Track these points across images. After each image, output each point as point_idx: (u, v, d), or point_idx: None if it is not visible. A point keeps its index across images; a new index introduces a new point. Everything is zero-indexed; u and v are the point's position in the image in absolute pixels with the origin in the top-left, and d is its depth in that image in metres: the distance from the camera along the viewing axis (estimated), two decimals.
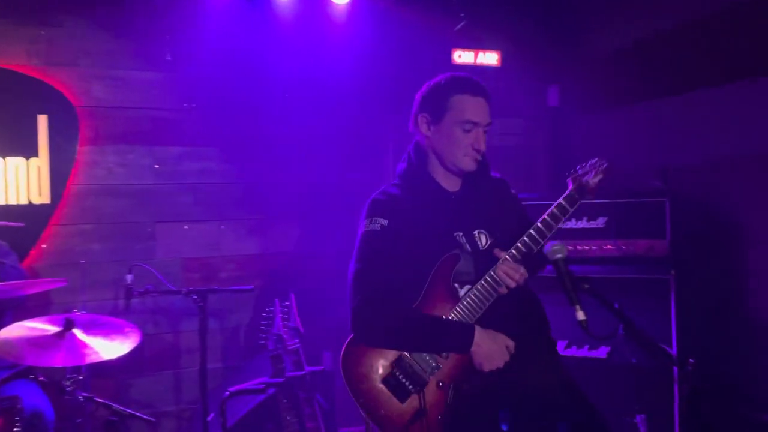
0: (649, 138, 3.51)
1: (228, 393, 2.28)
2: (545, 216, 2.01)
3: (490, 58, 3.97)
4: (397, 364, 1.96)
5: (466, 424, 1.98)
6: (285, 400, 2.49)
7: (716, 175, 3.05)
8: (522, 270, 1.97)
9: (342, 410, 3.60)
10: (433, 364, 1.97)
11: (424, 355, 1.97)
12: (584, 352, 2.94)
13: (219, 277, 3.51)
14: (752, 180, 2.86)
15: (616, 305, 1.81)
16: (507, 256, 1.98)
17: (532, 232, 1.99)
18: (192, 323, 3.27)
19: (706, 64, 3.17)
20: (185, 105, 3.47)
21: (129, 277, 2.80)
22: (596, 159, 2.11)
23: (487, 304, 1.98)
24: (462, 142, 2.05)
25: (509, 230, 2.07)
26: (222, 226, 3.54)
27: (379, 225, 2.00)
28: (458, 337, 1.94)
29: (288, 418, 2.47)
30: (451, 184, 2.13)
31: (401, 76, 3.88)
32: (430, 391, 1.95)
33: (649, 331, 2.76)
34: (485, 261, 2.02)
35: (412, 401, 1.94)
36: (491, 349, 1.93)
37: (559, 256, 1.99)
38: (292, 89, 3.67)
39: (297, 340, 2.62)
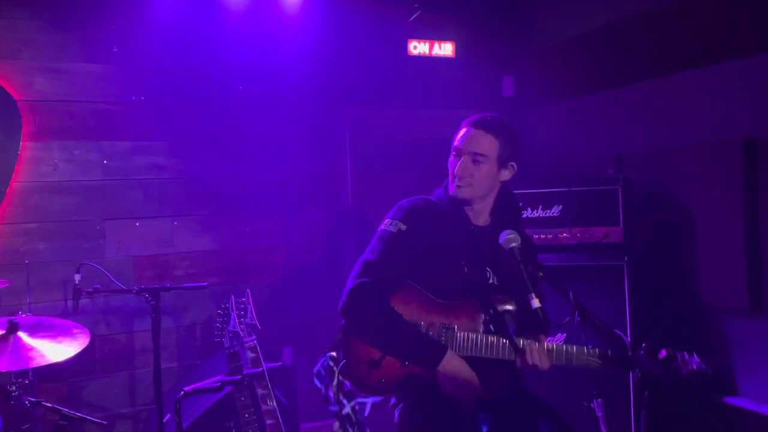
0: (604, 127, 3.56)
1: (182, 393, 2.22)
2: (600, 351, 2.00)
3: (445, 49, 3.97)
4: None
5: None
6: (243, 398, 2.44)
7: (667, 163, 3.11)
8: (545, 363, 1.99)
9: (304, 406, 3.57)
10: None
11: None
12: None
13: (173, 274, 3.43)
14: (701, 167, 2.92)
15: (571, 293, 1.83)
16: (542, 347, 1.99)
17: (581, 350, 2.00)
18: (146, 323, 3.17)
19: (657, 54, 3.23)
20: (134, 98, 3.36)
21: (77, 277, 2.70)
22: (699, 360, 1.91)
23: (493, 356, 2.00)
24: (450, 167, 2.14)
25: (512, 282, 2.07)
26: (175, 222, 3.45)
27: (397, 228, 2.08)
28: (427, 354, 1.98)
29: (246, 415, 2.42)
30: (477, 216, 2.17)
31: (357, 66, 3.85)
32: (393, 359, 2.01)
33: (605, 317, 2.81)
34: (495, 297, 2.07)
35: (378, 352, 2.02)
36: (457, 377, 1.97)
37: (513, 245, 2.00)
38: (246, 82, 3.60)
39: (254, 337, 2.58)
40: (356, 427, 2.34)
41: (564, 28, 3.81)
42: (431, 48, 3.94)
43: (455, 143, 2.14)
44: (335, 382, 2.27)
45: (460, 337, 2.01)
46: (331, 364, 2.06)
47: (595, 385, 2.55)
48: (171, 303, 3.38)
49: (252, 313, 2.61)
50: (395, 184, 4.03)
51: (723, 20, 2.88)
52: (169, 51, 3.40)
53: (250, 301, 2.64)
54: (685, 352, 1.85)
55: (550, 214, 3.12)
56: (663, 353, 1.88)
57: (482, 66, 4.13)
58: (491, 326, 2.04)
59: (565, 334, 2.99)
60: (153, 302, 2.53)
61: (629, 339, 2.81)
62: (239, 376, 2.39)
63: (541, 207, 3.14)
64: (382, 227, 2.12)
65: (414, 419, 2.02)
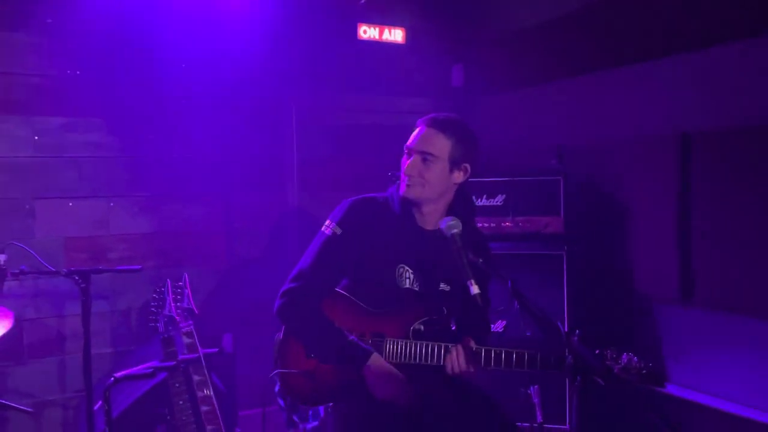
0: (548, 118, 3.61)
1: (113, 379, 2.14)
2: (527, 354, 1.98)
3: (395, 35, 3.94)
4: None
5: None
6: (177, 384, 2.38)
7: (607, 156, 3.18)
8: (470, 367, 1.97)
9: (244, 393, 3.52)
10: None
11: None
12: None
13: (108, 257, 3.30)
14: (638, 161, 3.00)
15: (510, 281, 1.84)
16: (467, 347, 1.97)
17: (510, 355, 1.97)
18: (78, 307, 3.02)
19: (600, 48, 3.28)
20: (69, 72, 3.21)
21: (2, 258, 2.56)
22: (638, 359, 1.88)
23: (423, 362, 1.99)
24: (402, 165, 2.10)
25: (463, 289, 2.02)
26: (111, 203, 3.32)
27: (332, 231, 2.07)
28: (352, 357, 1.98)
29: (180, 402, 2.36)
30: (426, 220, 2.13)
31: (304, 49, 3.78)
32: (327, 369, 2.02)
33: (544, 304, 2.87)
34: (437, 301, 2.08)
35: (312, 362, 2.03)
36: (384, 379, 1.96)
37: (454, 231, 2.00)
38: (189, 61, 3.48)
39: (191, 322, 2.51)
40: None
41: (513, 18, 3.84)
42: (381, 33, 3.91)
43: (408, 142, 2.10)
44: (289, 402, 2.25)
45: (390, 346, 2.01)
46: (281, 385, 2.07)
47: (531, 372, 2.60)
48: (106, 287, 3.26)
49: (189, 298, 2.54)
50: (342, 171, 4.00)
51: (662, 18, 2.95)
52: (108, 26, 3.25)
53: (188, 285, 2.57)
54: (624, 354, 1.85)
55: (494, 203, 3.15)
56: (596, 352, 1.89)
57: (432, 54, 4.12)
58: (422, 333, 2.04)
59: (505, 322, 3.04)
60: (83, 285, 2.43)
61: (566, 326, 2.88)
62: (173, 362, 2.34)
63: (485, 196, 3.16)
64: (321, 229, 2.11)
65: (348, 428, 2.01)
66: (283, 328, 2.09)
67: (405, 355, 2.00)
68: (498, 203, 3.13)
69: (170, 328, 2.45)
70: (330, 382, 2.02)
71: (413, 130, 2.12)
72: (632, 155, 3.03)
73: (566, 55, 3.49)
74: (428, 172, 2.04)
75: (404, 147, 2.10)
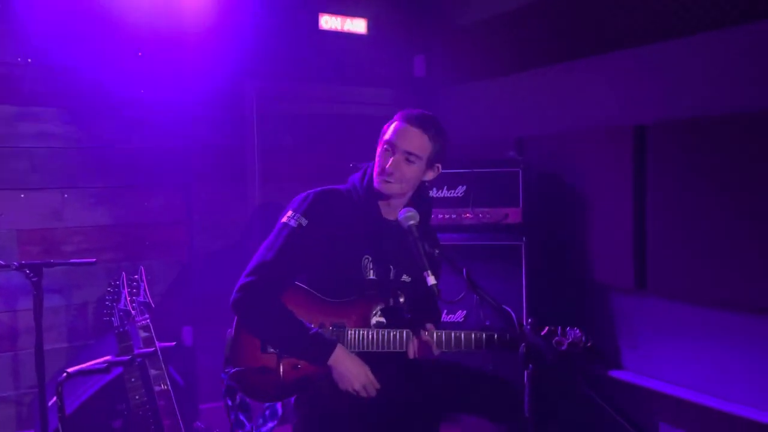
0: (509, 110, 3.64)
1: (65, 375, 2.10)
2: (485, 334, 2.02)
3: (357, 26, 3.92)
4: None
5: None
6: (133, 379, 2.34)
7: (565, 147, 3.22)
8: (434, 352, 2.01)
9: (204, 386, 3.49)
10: None
11: None
12: (444, 316, 3.03)
13: (63, 250, 3.23)
14: (594, 152, 3.04)
15: (465, 270, 1.86)
16: (430, 336, 2.01)
17: (469, 336, 2.02)
18: (32, 301, 2.99)
19: (560, 40, 3.32)
20: (19, 60, 3.11)
21: None
22: (580, 333, 2.01)
23: (385, 349, 2.01)
24: (380, 162, 2.07)
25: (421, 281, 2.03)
26: (65, 195, 3.24)
27: (297, 223, 2.03)
28: (317, 349, 1.97)
29: (136, 397, 2.33)
30: (390, 211, 2.13)
31: (265, 38, 3.74)
32: (287, 363, 2.00)
33: (504, 294, 2.92)
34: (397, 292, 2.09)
35: (270, 357, 2.01)
36: (348, 371, 1.97)
37: (412, 222, 2.01)
38: (146, 48, 3.41)
39: (147, 316, 2.47)
40: None
41: (475, 9, 3.85)
42: (343, 23, 3.88)
43: (389, 137, 2.06)
44: (237, 401, 2.24)
45: (351, 334, 2.01)
46: (231, 383, 2.04)
47: (491, 360, 2.64)
48: (61, 280, 3.19)
49: (145, 291, 2.50)
50: (304, 161, 3.97)
51: (620, 11, 2.99)
52: (61, 11, 3.16)
53: (144, 278, 2.53)
54: (568, 327, 1.95)
55: (455, 195, 3.16)
56: (546, 329, 1.97)
57: (394, 44, 4.12)
58: (383, 321, 2.05)
59: (465, 311, 3.07)
60: (35, 279, 2.37)
61: (524, 315, 2.92)
62: (129, 357, 2.30)
63: (446, 187, 3.18)
64: (283, 220, 2.06)
65: (311, 423, 2.00)
66: (234, 324, 2.04)
67: (366, 343, 2.01)
68: (458, 195, 3.15)
69: (126, 322, 2.41)
70: (289, 376, 2.01)
71: (392, 123, 2.09)
72: (590, 147, 3.07)
73: (527, 46, 3.52)
74: (409, 171, 2.05)
75: (384, 141, 2.07)
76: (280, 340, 1.99)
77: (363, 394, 1.98)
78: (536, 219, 3.17)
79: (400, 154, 2.04)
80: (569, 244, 3.15)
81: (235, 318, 2.06)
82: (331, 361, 1.96)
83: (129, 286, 2.47)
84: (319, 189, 2.13)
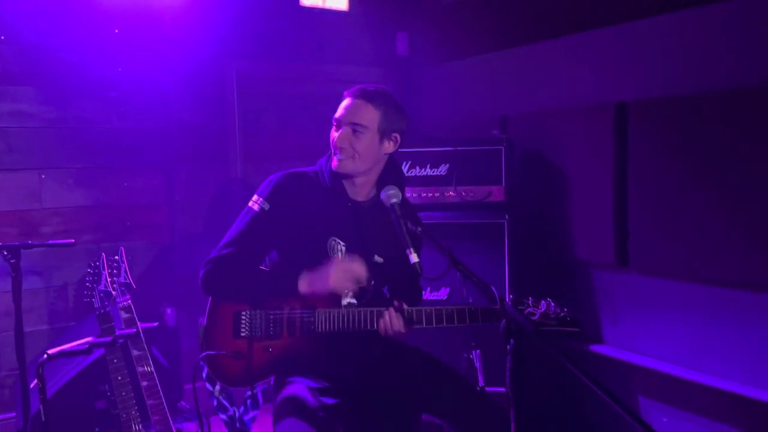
0: (492, 88, 3.63)
1: (45, 356, 2.08)
2: (456, 307, 2.01)
3: (338, 2, 3.87)
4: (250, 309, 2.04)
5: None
6: (115, 360, 2.33)
7: (548, 125, 3.22)
8: (402, 329, 1.98)
9: (188, 367, 3.48)
10: (270, 332, 2.02)
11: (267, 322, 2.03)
12: (426, 294, 3.04)
13: (41, 231, 3.19)
14: (577, 130, 3.05)
15: (446, 248, 1.86)
16: (400, 310, 1.98)
17: (439, 313, 2.00)
18: (10, 283, 2.95)
19: (542, 18, 3.30)
20: None
21: None
22: (555, 305, 1.99)
23: (356, 328, 1.99)
24: (331, 138, 2.07)
25: (398, 260, 2.02)
26: (43, 176, 3.19)
27: (260, 207, 2.04)
28: (286, 280, 1.99)
29: (119, 378, 2.32)
30: (357, 192, 2.12)
31: (245, 17, 3.68)
32: (258, 346, 2.02)
33: (487, 271, 2.92)
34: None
35: (242, 342, 2.02)
36: (323, 284, 1.97)
37: (394, 200, 2.00)
38: (124, 26, 3.34)
39: (128, 297, 2.45)
40: None
41: None
42: (324, 0, 3.83)
43: (336, 114, 2.07)
44: (218, 386, 2.26)
45: (322, 316, 2.01)
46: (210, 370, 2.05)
47: (474, 337, 2.66)
48: (40, 262, 3.15)
49: (126, 272, 2.48)
50: (287, 142, 3.94)
51: None
52: None
53: (124, 259, 2.50)
54: (542, 300, 1.96)
55: (438, 173, 3.16)
56: (517, 300, 1.99)
57: (377, 22, 4.07)
58: (354, 302, 2.06)
59: (449, 289, 3.08)
60: (13, 261, 2.33)
61: (507, 292, 2.94)
62: (110, 338, 2.28)
63: (429, 165, 3.17)
64: (249, 204, 2.08)
65: (288, 405, 1.99)
66: (207, 312, 2.05)
67: (338, 323, 2.00)
68: (442, 173, 3.15)
69: (107, 303, 2.39)
70: (261, 359, 2.01)
71: (342, 102, 2.09)
72: (572, 124, 3.08)
73: (510, 24, 3.50)
74: (359, 143, 2.04)
75: (332, 119, 2.09)
76: (247, 293, 2.01)
77: (362, 283, 1.98)
78: (519, 197, 3.18)
79: (346, 128, 2.04)
80: (552, 221, 3.17)
81: (207, 307, 2.07)
82: (301, 287, 1.97)
83: (109, 267, 2.44)
84: (283, 172, 2.13)
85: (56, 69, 3.19)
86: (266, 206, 2.04)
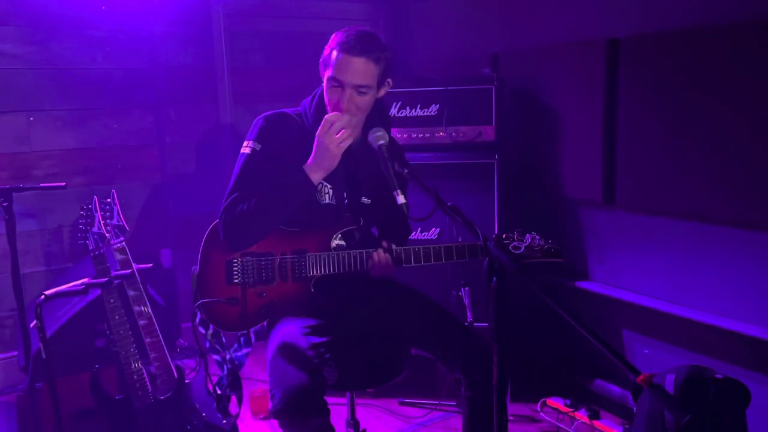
0: (483, 26, 3.56)
1: (43, 297, 2.13)
2: (443, 245, 2.02)
3: None
4: (241, 257, 2.06)
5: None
6: (112, 300, 2.38)
7: (537, 62, 3.18)
8: (391, 268, 2.01)
9: (186, 306, 3.56)
10: (263, 277, 2.06)
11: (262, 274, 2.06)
12: (417, 234, 3.09)
13: (33, 174, 3.19)
14: (567, 67, 3.02)
15: (433, 189, 1.88)
16: (388, 250, 2.00)
17: (427, 251, 2.02)
18: (4, 226, 2.98)
19: None
20: None
21: None
22: (539, 237, 2.01)
23: (347, 270, 2.03)
24: (330, 99, 2.03)
25: (386, 201, 2.02)
26: (31, 118, 3.17)
27: (251, 149, 2.05)
28: (296, 183, 2.01)
29: (117, 317, 2.37)
30: None
31: None
32: (252, 292, 2.05)
33: (477, 211, 2.97)
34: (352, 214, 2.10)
35: (235, 288, 2.05)
36: (324, 158, 1.99)
37: (381, 142, 2.01)
38: None
39: (122, 238, 2.48)
40: (233, 382, 2.41)
41: None
42: None
43: (332, 72, 1.98)
44: (211, 330, 2.30)
45: (312, 259, 2.04)
46: (203, 316, 2.08)
47: (464, 275, 2.72)
48: (33, 205, 3.18)
49: (119, 214, 2.50)
50: (278, 82, 3.90)
51: None
52: None
53: (116, 201, 2.52)
54: (527, 234, 2.01)
55: (428, 113, 3.14)
56: (502, 236, 2.04)
57: None
58: (343, 244, 2.08)
59: (438, 229, 3.13)
60: (5, 203, 2.35)
61: (496, 231, 2.98)
62: (106, 278, 2.33)
63: (419, 106, 3.15)
64: (241, 150, 2.08)
65: (280, 341, 2.02)
66: (199, 260, 2.08)
67: (328, 265, 2.05)
68: (432, 113, 3.13)
69: (101, 245, 2.42)
70: (254, 304, 2.06)
71: (331, 51, 2.00)
72: (563, 62, 3.05)
73: None
74: (362, 101, 2.03)
75: (329, 77, 2.00)
76: (271, 216, 2.02)
77: (346, 136, 1.99)
78: (509, 136, 3.18)
79: (350, 89, 1.99)
80: (542, 160, 3.18)
81: (199, 254, 2.09)
82: (313, 176, 2.00)
83: (102, 209, 2.46)
84: (267, 113, 2.11)
85: (38, 7, 3.12)
86: (257, 147, 2.05)
